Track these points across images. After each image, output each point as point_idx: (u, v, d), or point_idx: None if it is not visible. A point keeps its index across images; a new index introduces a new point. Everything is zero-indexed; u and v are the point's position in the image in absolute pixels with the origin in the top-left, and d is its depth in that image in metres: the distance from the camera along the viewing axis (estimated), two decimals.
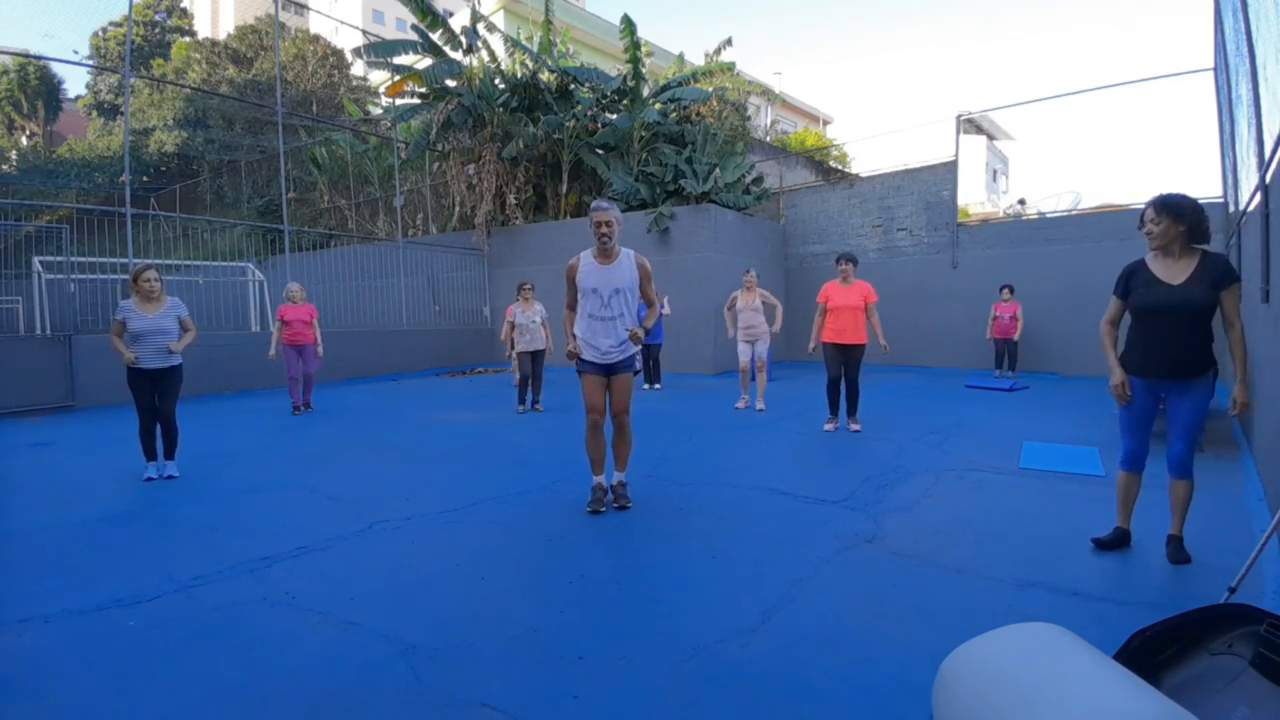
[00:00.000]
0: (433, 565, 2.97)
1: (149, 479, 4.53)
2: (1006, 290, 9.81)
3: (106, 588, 2.75)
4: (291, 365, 7.54)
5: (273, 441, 6.06)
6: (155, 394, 4.58)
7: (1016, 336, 9.68)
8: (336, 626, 2.39)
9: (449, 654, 2.19)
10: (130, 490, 4.34)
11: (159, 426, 4.62)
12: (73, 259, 9.01)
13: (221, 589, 2.74)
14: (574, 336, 3.67)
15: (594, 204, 3.60)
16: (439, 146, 14.03)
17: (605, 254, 3.63)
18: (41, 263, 10.89)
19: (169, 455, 4.68)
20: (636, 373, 3.79)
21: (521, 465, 4.92)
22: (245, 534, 3.43)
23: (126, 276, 8.84)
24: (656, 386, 9.42)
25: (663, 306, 9.26)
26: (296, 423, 7.02)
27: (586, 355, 3.63)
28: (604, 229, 3.55)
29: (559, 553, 3.10)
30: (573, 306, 3.73)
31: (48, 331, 9.87)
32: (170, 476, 4.61)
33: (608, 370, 3.66)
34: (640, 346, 3.75)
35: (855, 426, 5.85)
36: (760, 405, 7.15)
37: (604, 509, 3.65)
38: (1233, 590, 2.17)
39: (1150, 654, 1.58)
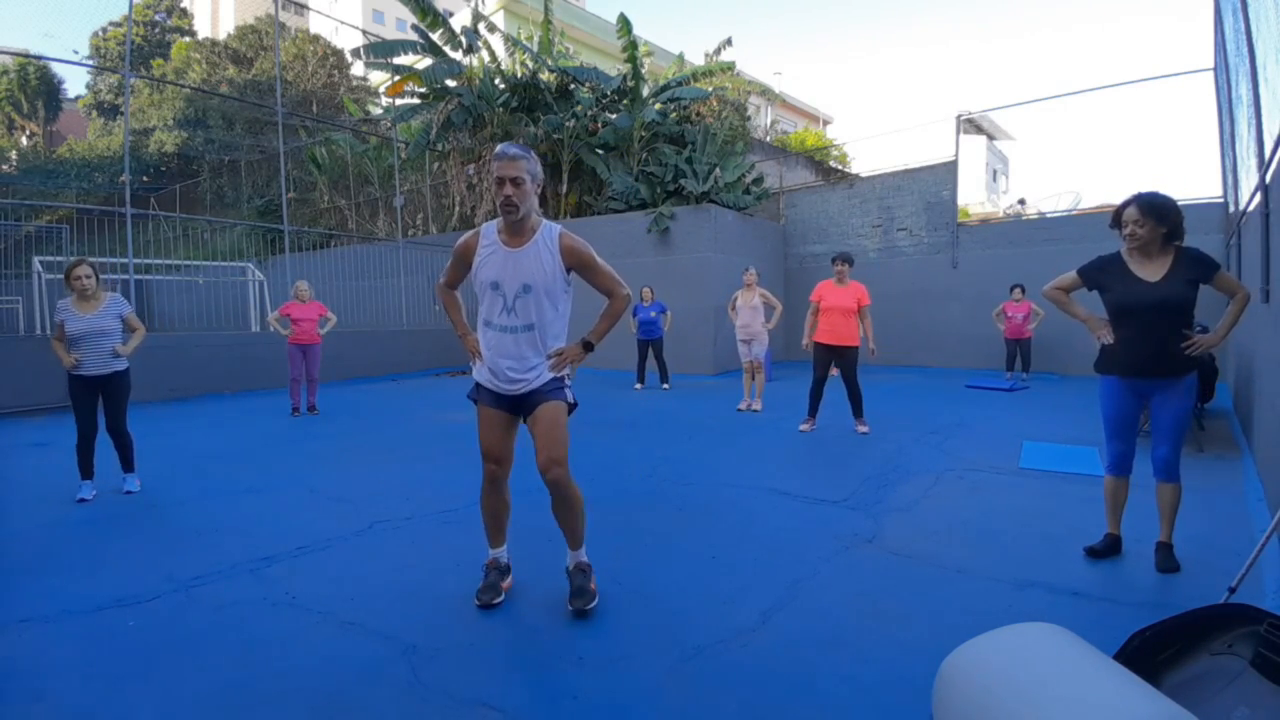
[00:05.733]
0: (433, 565, 2.98)
1: (82, 500, 4.00)
2: (1018, 290, 9.60)
3: (107, 588, 2.75)
4: (295, 366, 7.41)
5: (272, 441, 6.06)
6: (101, 405, 4.13)
7: (1030, 335, 9.52)
8: (336, 626, 2.39)
9: (449, 654, 2.19)
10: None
11: (111, 439, 4.19)
12: (73, 259, 8.99)
13: (221, 589, 2.74)
14: (467, 330, 2.65)
15: (498, 150, 2.27)
16: (439, 146, 14.04)
17: (513, 230, 2.37)
18: (41, 263, 10.90)
19: (127, 468, 4.28)
20: (573, 406, 2.54)
21: (520, 465, 4.91)
22: (245, 534, 3.42)
23: (126, 277, 8.87)
24: (665, 387, 9.41)
25: (664, 309, 9.27)
26: (296, 423, 7.02)
27: (481, 378, 2.52)
28: (508, 189, 2.25)
29: (559, 553, 3.09)
30: (452, 285, 2.67)
31: (48, 331, 9.86)
32: (129, 492, 4.19)
33: (512, 404, 2.48)
34: (567, 372, 2.52)
35: (863, 429, 5.80)
36: (757, 406, 7.10)
37: (499, 599, 2.50)
38: (1233, 590, 2.17)
39: (1150, 654, 1.58)
